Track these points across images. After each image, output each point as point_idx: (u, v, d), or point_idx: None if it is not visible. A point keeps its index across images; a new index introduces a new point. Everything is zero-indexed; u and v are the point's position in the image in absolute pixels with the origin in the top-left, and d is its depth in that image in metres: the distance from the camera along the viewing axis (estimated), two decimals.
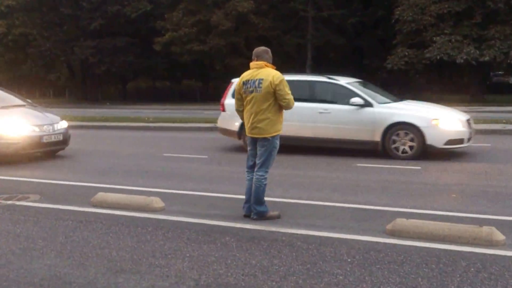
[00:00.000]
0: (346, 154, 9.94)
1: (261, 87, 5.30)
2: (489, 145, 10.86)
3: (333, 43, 34.65)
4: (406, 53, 28.48)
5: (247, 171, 5.69)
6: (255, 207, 5.49)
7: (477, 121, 14.63)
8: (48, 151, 10.22)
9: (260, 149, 5.44)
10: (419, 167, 8.41)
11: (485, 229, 4.49)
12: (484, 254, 4.24)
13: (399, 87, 43.79)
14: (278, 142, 5.46)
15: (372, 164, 8.86)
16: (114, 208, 6.08)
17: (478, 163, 8.77)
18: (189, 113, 24.82)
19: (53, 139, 10.00)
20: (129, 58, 38.97)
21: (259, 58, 5.46)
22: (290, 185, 7.28)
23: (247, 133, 5.59)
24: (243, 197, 6.60)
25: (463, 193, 6.55)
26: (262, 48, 5.54)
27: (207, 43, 34.56)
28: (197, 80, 47.13)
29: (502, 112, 21.09)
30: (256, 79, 5.35)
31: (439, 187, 6.95)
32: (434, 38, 27.26)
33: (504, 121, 14.39)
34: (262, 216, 5.48)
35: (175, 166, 9.25)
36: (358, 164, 8.87)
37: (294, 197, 6.53)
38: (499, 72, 42.26)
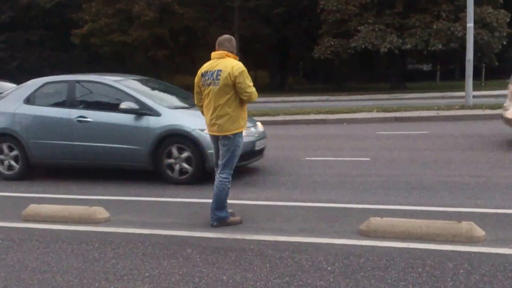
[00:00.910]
0: (289, 149, 9.66)
1: (219, 79, 4.79)
2: (427, 132, 10.98)
3: (259, 33, 34.47)
4: (332, 43, 28.84)
5: (216, 172, 5.17)
6: (215, 213, 5.00)
7: (410, 108, 14.98)
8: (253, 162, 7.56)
9: (222, 149, 4.95)
10: (368, 158, 8.25)
11: (465, 225, 4.28)
12: (469, 253, 4.00)
13: (323, 76, 44.77)
14: (241, 139, 4.97)
15: (320, 157, 8.61)
16: (50, 222, 5.37)
17: (423, 151, 8.74)
18: None
19: (261, 145, 7.58)
20: (44, 52, 36.69)
21: (220, 47, 4.92)
22: (243, 185, 6.82)
23: (208, 131, 5.11)
24: (195, 200, 6.15)
25: (421, 184, 6.40)
26: (225, 36, 4.99)
27: (129, 34, 33.18)
28: (118, 73, 45.32)
29: (424, 98, 21.85)
30: (215, 71, 4.82)
31: (396, 179, 6.76)
32: (359, 28, 27.77)
33: (435, 107, 14.73)
34: (222, 222, 5.02)
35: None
36: (307, 158, 8.59)
37: (251, 198, 6.08)
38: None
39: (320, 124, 13.54)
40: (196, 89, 5.10)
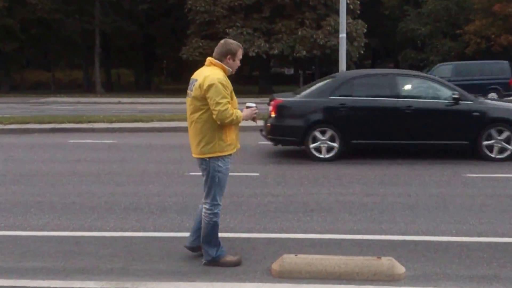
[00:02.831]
0: (170, 161, 8.89)
1: (192, 91, 4.07)
2: None
3: (123, 30, 32.74)
4: (201, 44, 28.31)
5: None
6: (204, 249, 4.23)
7: None
8: None
9: (203, 174, 4.17)
10: (257, 174, 7.82)
11: (385, 261, 3.97)
12: None
13: (190, 76, 44.08)
14: (221, 165, 4.11)
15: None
16: None
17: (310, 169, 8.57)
18: None
19: None
20: None
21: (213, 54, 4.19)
22: (123, 210, 5.94)
23: None
24: (66, 234, 5.17)
25: (319, 205, 6.09)
26: (221, 41, 4.22)
27: None
28: None
29: None
30: (194, 80, 4.10)
31: (294, 200, 6.36)
32: (227, 30, 27.62)
33: None
34: (215, 262, 4.21)
35: None
36: (191, 173, 7.90)
37: (136, 228, 5.25)
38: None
39: None
40: None
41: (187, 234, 5.04)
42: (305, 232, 5.10)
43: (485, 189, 6.75)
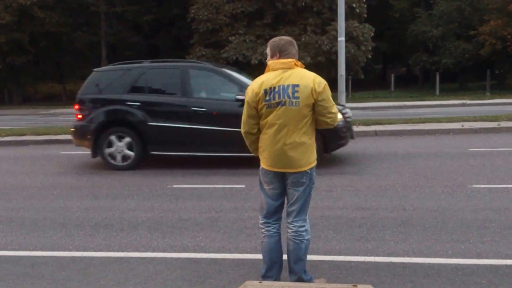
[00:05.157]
0: (155, 173, 8.45)
1: (298, 98, 3.40)
2: None
3: (128, 40, 32.68)
4: (204, 53, 27.98)
5: (266, 223, 3.75)
6: (298, 274, 3.69)
7: None
8: None
9: (296, 189, 3.57)
10: (243, 185, 7.34)
11: None
12: None
13: None
14: (315, 175, 3.66)
15: (190, 184, 7.54)
16: None
17: None
18: None
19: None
20: None
21: (283, 54, 3.51)
22: (93, 226, 5.50)
23: (269, 167, 3.59)
24: (15, 254, 4.77)
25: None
26: (286, 39, 3.60)
27: None
28: None
29: None
30: (288, 85, 3.41)
31: None
32: (230, 38, 27.29)
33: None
34: None
35: None
36: (174, 185, 7.45)
37: (99, 247, 4.80)
38: None
39: None
40: (249, 111, 3.56)
41: (152, 254, 4.61)
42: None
43: (491, 202, 6.05)
